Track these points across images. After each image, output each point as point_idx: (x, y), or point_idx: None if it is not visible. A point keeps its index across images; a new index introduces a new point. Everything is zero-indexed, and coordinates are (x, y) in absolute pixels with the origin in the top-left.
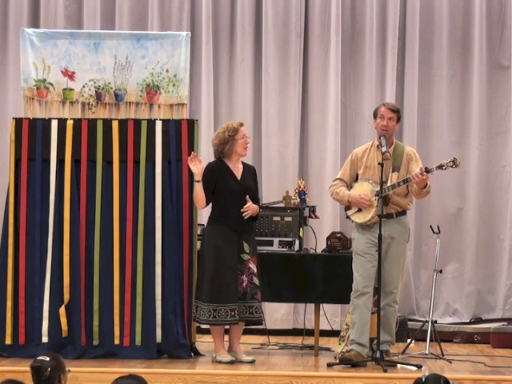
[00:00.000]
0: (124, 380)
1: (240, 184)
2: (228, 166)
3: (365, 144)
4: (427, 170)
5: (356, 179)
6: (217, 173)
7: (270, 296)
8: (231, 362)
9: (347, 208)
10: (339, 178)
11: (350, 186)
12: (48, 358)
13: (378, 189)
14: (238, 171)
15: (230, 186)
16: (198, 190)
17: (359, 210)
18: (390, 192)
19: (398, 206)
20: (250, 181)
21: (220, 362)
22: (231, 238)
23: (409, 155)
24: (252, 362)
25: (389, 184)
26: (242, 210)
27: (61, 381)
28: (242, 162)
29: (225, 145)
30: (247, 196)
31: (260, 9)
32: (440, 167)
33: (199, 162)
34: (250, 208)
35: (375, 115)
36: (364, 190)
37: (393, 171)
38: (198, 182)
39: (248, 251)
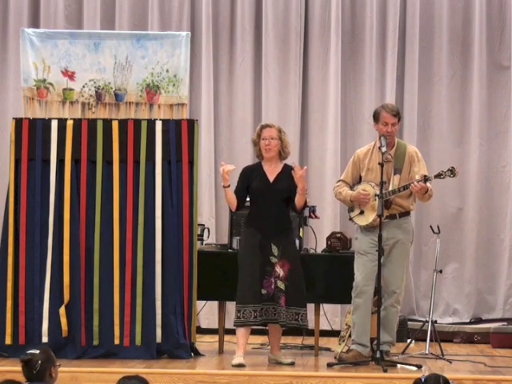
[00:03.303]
0: (127, 381)
1: (270, 186)
2: (262, 168)
3: (367, 145)
4: (426, 179)
5: (360, 180)
6: (249, 175)
7: None
8: (238, 366)
9: (350, 210)
10: (342, 179)
11: (353, 188)
12: (38, 351)
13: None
14: (272, 173)
15: (259, 188)
16: (227, 195)
17: (361, 213)
18: (391, 197)
19: (400, 207)
20: (286, 183)
21: (232, 365)
22: (257, 240)
23: (411, 156)
24: (291, 364)
25: (390, 188)
26: (295, 166)
27: (51, 374)
28: (285, 164)
29: (254, 147)
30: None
31: (260, 9)
32: (438, 176)
33: (230, 169)
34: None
35: (376, 119)
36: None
37: (394, 174)
38: (224, 187)
39: (276, 254)
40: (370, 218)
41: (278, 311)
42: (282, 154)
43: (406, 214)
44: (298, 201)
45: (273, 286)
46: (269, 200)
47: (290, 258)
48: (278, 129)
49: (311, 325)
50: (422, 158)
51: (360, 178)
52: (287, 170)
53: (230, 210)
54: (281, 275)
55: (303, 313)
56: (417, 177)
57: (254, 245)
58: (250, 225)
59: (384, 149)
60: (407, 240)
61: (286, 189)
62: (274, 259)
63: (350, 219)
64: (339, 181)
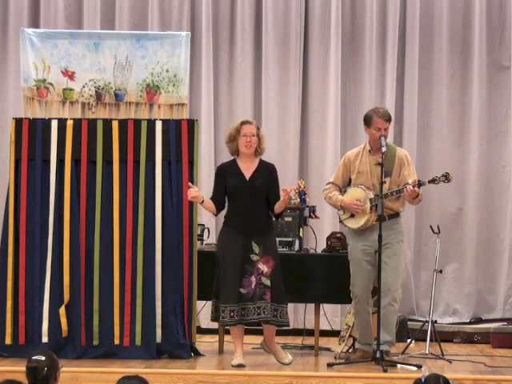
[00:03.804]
0: (126, 381)
1: (247, 184)
2: (238, 166)
3: (357, 147)
4: (419, 184)
5: (349, 183)
6: (225, 174)
7: None
8: (238, 366)
9: (341, 212)
10: (332, 181)
11: (343, 190)
12: (44, 358)
13: (371, 195)
14: (248, 170)
15: (236, 187)
16: (206, 206)
17: (352, 216)
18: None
19: (390, 210)
20: (262, 180)
21: (231, 366)
22: (236, 238)
23: (400, 159)
24: (290, 363)
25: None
26: (284, 191)
27: (56, 378)
28: (261, 161)
29: (230, 143)
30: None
31: (260, 9)
32: (432, 181)
33: (193, 190)
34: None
35: (368, 123)
36: (357, 195)
37: (385, 176)
38: (201, 202)
39: (257, 251)
40: (361, 221)
41: (263, 308)
42: (258, 150)
43: (395, 215)
44: (278, 209)
45: (253, 286)
46: (246, 198)
47: (273, 255)
48: (256, 125)
49: (311, 325)
50: (412, 162)
51: (350, 180)
52: (263, 167)
53: None
54: (265, 271)
55: (284, 309)
56: (410, 180)
57: (234, 244)
58: (228, 224)
59: (384, 149)
60: (398, 240)
61: (264, 186)
62: (255, 257)
63: (340, 222)
64: (328, 183)
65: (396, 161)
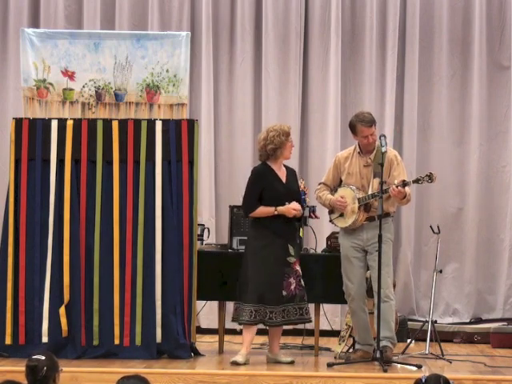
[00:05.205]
0: (125, 380)
1: (286, 187)
2: (274, 170)
3: (347, 149)
4: (404, 184)
5: (340, 183)
6: (265, 178)
7: None
8: (233, 363)
9: (331, 212)
10: (323, 182)
11: (334, 190)
12: (44, 358)
13: (360, 195)
14: (283, 175)
15: (278, 190)
16: (266, 212)
17: (341, 215)
18: (370, 200)
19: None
20: (294, 183)
21: (232, 362)
22: (276, 241)
23: (390, 160)
24: (291, 362)
25: (370, 192)
26: (294, 209)
27: (55, 380)
28: (283, 165)
29: (279, 149)
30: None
31: (260, 9)
32: (416, 181)
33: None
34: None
35: (353, 132)
36: (346, 195)
37: (374, 177)
38: (276, 211)
39: (293, 254)
40: (349, 220)
41: (305, 309)
42: None
43: (386, 215)
44: None
45: (292, 287)
46: (284, 202)
47: (300, 256)
48: None
49: (311, 325)
50: (402, 162)
51: (341, 180)
52: (288, 171)
53: (231, 210)
54: (301, 273)
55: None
56: (395, 181)
57: (272, 246)
58: (265, 226)
59: (384, 149)
60: (387, 238)
61: (298, 190)
62: (292, 259)
63: (331, 221)
64: (320, 184)
65: (386, 162)
